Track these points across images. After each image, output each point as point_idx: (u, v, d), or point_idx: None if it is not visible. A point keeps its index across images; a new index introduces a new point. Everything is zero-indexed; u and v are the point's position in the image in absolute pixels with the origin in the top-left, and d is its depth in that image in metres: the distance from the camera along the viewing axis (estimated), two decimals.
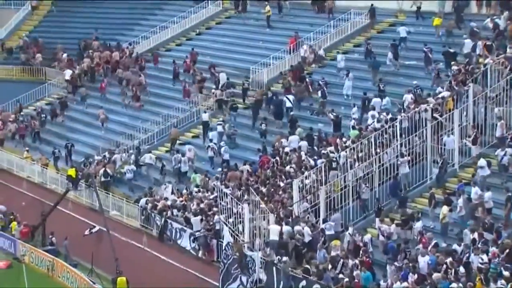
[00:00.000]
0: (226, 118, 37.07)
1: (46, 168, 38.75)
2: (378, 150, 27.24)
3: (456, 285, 20.67)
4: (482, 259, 21.14)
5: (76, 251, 33.99)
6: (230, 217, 27.84)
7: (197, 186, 32.14)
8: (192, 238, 28.92)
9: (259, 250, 25.57)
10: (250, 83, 38.46)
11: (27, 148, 40.49)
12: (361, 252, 23.92)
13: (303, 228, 25.37)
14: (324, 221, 25.76)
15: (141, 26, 49.53)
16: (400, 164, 26.85)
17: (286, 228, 25.52)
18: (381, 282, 22.43)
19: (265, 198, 27.47)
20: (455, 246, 22.29)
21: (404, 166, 26.82)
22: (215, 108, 38.46)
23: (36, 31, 53.03)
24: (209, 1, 47.27)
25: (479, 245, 21.77)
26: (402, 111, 29.23)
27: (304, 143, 31.10)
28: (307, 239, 25.16)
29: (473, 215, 24.19)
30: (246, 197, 28.14)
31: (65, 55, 48.21)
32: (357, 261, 23.29)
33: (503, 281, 20.17)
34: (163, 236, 30.50)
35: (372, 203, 26.59)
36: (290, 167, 29.07)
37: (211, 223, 28.40)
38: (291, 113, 34.67)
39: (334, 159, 27.68)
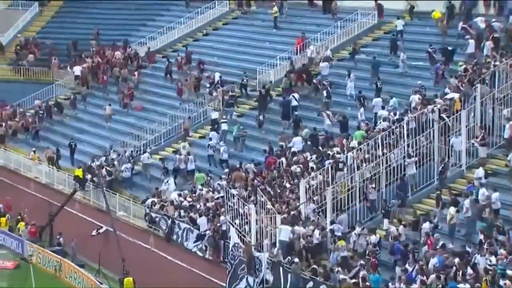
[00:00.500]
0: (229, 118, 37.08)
1: (53, 165, 38.93)
2: (385, 151, 27.19)
3: (463, 286, 20.61)
4: (491, 261, 21.07)
5: (83, 251, 34.07)
6: (236, 218, 27.83)
7: (202, 185, 32.17)
8: (199, 239, 28.90)
9: (266, 250, 25.56)
10: (248, 79, 38.68)
11: (33, 149, 40.60)
12: (368, 252, 23.85)
13: (312, 231, 25.28)
14: (332, 222, 25.73)
15: (148, 27, 49.60)
16: (407, 165, 26.80)
17: (294, 229, 25.46)
18: (390, 285, 22.34)
19: (272, 199, 27.45)
20: (466, 248, 22.19)
21: (411, 167, 26.77)
22: (222, 108, 38.53)
23: (43, 31, 53.22)
24: (216, 2, 47.34)
25: (486, 246, 21.69)
26: (409, 111, 29.16)
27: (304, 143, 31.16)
28: (316, 241, 25.05)
29: (480, 216, 24.12)
30: (252, 197, 28.13)
31: (55, 60, 48.57)
32: (362, 262, 23.22)
33: (507, 282, 20.09)
34: (170, 237, 30.50)
35: (379, 204, 26.55)
36: (298, 167, 29.03)
37: (218, 224, 28.39)
38: (295, 112, 34.65)
39: (341, 159, 27.64)
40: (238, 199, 27.83)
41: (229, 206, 28.23)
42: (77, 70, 46.08)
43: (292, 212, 26.39)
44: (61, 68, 48.31)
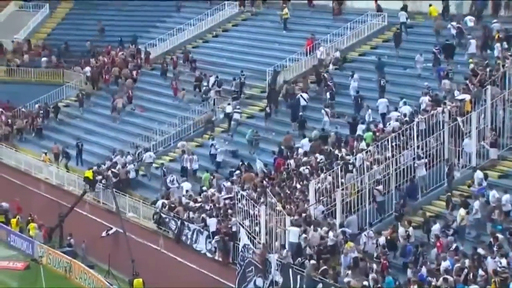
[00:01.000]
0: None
1: (59, 161, 39.24)
2: (394, 153, 27.10)
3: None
4: (501, 263, 20.97)
5: (93, 252, 34.13)
6: (246, 219, 27.82)
7: (208, 186, 32.35)
8: (209, 240, 28.92)
9: (275, 252, 25.54)
10: (245, 77, 38.98)
11: (45, 151, 40.72)
12: (377, 254, 23.76)
13: (326, 232, 25.18)
14: (341, 225, 25.66)
15: (158, 29, 49.70)
16: (417, 167, 26.72)
17: (305, 230, 25.41)
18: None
19: (282, 200, 27.42)
20: (479, 250, 22.04)
21: (421, 168, 26.68)
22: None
23: (54, 33, 53.42)
24: (226, 3, 47.38)
25: (495, 248, 21.59)
26: (419, 113, 29.06)
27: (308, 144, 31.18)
28: (331, 242, 24.94)
29: (490, 218, 24.02)
30: (262, 199, 28.11)
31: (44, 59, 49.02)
32: (374, 265, 23.15)
33: None
34: (180, 238, 30.53)
35: (388, 206, 26.46)
36: (306, 168, 28.98)
37: (229, 226, 28.38)
38: (300, 113, 34.72)
39: (350, 161, 27.58)
40: (248, 200, 27.81)
41: (239, 207, 28.21)
42: (88, 70, 46.65)
43: (303, 215, 26.30)
44: (72, 69, 48.46)
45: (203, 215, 29.77)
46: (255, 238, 27.00)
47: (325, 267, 23.92)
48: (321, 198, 26.81)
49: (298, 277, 24.29)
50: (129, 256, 30.32)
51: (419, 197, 26.65)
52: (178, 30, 47.12)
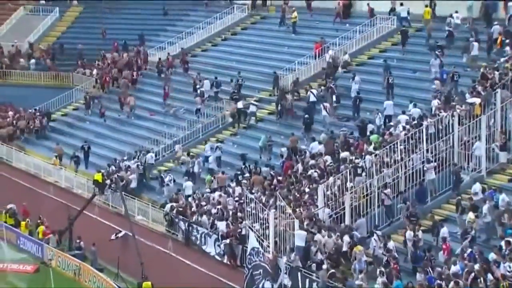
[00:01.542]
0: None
1: (60, 160, 39.67)
2: (403, 156, 27.02)
3: None
4: (510, 267, 20.87)
5: (102, 255, 34.18)
6: (256, 222, 27.81)
7: (210, 188, 32.58)
8: (217, 243, 28.91)
9: (284, 255, 25.51)
10: (243, 79, 39.34)
11: (56, 154, 40.86)
12: (387, 259, 23.66)
13: (340, 238, 24.98)
14: (350, 229, 25.60)
15: (167, 32, 49.82)
16: (426, 170, 26.64)
17: (315, 235, 25.36)
18: None
19: (291, 204, 27.37)
20: (491, 255, 21.94)
21: (430, 172, 26.60)
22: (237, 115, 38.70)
23: (63, 37, 53.64)
24: (235, 7, 47.46)
25: (506, 253, 21.50)
26: (428, 116, 28.98)
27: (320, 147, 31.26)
28: (346, 248, 24.70)
29: (500, 222, 23.91)
30: (271, 202, 28.08)
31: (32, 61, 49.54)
32: (382, 269, 23.07)
33: None
34: (189, 241, 30.54)
35: (397, 210, 26.39)
36: (315, 171, 28.94)
37: (239, 230, 28.36)
38: (306, 115, 34.88)
39: (360, 165, 27.53)
40: (257, 203, 27.78)
41: (247, 211, 28.21)
42: (94, 73, 47.12)
43: (313, 219, 26.22)
44: (81, 72, 48.74)
45: (212, 218, 29.77)
46: (263, 241, 26.97)
47: (333, 270, 23.82)
48: (329, 202, 26.73)
49: (307, 280, 24.24)
50: (138, 259, 30.35)
51: (428, 200, 26.57)
52: (188, 34, 47.21)
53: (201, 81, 41.57)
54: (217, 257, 28.98)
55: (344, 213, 26.31)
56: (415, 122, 29.00)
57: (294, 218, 25.95)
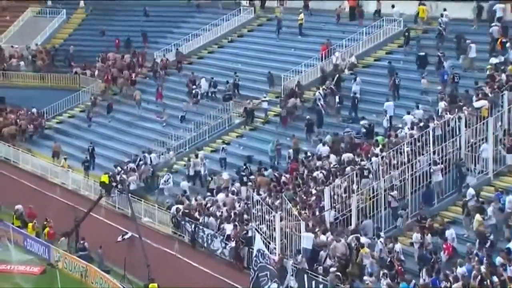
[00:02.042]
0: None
1: (57, 158, 40.08)
2: (410, 157, 26.96)
3: None
4: None
5: (108, 257, 34.20)
6: (262, 224, 27.79)
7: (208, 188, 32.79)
8: (223, 244, 28.91)
9: (290, 257, 25.49)
10: (239, 79, 39.69)
11: (65, 156, 40.91)
12: (390, 260, 23.58)
13: (346, 240, 24.93)
14: (355, 231, 25.54)
15: (173, 34, 49.89)
16: (433, 172, 26.59)
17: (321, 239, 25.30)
18: None
19: (298, 206, 27.34)
20: (498, 258, 21.88)
21: (437, 174, 26.55)
22: (245, 116, 38.71)
23: (70, 39, 53.77)
24: (241, 9, 47.50)
25: None
26: (434, 118, 28.94)
27: (325, 149, 31.28)
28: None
29: (507, 224, 23.84)
30: (277, 203, 28.05)
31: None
32: (386, 271, 23.03)
33: None
34: (195, 243, 30.55)
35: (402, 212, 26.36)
36: (320, 173, 28.92)
37: (244, 232, 28.34)
38: (308, 117, 35.00)
39: (366, 167, 27.49)
40: (263, 205, 27.77)
41: (253, 213, 28.20)
42: (105, 82, 47.03)
43: (321, 223, 26.16)
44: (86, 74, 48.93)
45: (219, 220, 29.76)
46: (270, 244, 26.96)
47: (338, 273, 23.76)
48: (335, 204, 26.69)
49: (313, 282, 24.21)
50: (144, 261, 30.38)
51: (435, 202, 26.51)
52: (194, 36, 47.27)
53: (196, 81, 41.66)
54: (223, 256, 28.90)
55: (350, 215, 26.27)
56: (422, 123, 28.94)
57: (300, 220, 25.94)
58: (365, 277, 23.28)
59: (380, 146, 28.97)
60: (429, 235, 24.42)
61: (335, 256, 24.46)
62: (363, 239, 24.74)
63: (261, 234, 27.09)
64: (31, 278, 33.51)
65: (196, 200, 32.08)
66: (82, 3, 56.01)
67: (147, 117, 43.33)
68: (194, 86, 41.72)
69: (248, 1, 48.08)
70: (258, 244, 26.36)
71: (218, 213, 30.12)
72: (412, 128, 28.95)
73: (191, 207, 31.68)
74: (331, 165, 29.32)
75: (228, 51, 45.97)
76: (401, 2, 39.42)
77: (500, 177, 26.55)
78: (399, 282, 22.71)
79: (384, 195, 26.43)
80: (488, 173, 26.66)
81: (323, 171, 28.94)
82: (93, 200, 35.98)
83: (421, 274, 22.75)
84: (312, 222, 26.14)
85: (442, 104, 30.05)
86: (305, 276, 24.50)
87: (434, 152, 26.99)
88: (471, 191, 25.16)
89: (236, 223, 28.97)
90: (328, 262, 24.37)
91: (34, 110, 46.39)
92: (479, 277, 21.09)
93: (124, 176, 36.03)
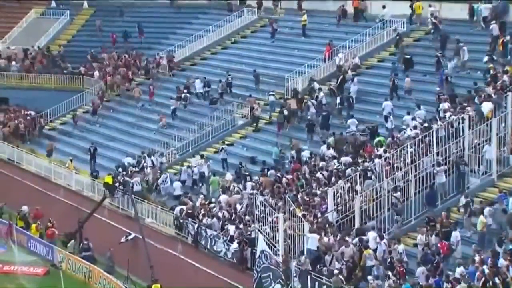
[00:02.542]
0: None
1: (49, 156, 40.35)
2: (414, 158, 26.92)
3: None
4: None
5: (112, 258, 34.20)
6: (265, 225, 27.78)
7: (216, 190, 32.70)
8: (226, 245, 28.91)
9: (293, 258, 25.48)
10: (232, 78, 39.96)
11: (71, 158, 40.95)
12: (390, 261, 23.54)
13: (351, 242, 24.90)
14: (358, 233, 25.50)
15: (177, 35, 49.92)
16: (436, 173, 26.55)
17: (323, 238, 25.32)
18: None
19: (301, 207, 27.32)
20: (501, 260, 21.83)
21: (440, 175, 26.51)
22: (250, 116, 38.72)
23: (74, 40, 53.84)
24: (245, 10, 47.51)
25: None
26: (438, 119, 28.92)
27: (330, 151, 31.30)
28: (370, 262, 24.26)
29: (511, 225, 23.79)
30: (280, 204, 28.04)
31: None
32: (389, 272, 23.00)
33: None
34: (198, 244, 30.55)
35: (407, 213, 26.30)
36: (321, 173, 28.89)
37: (248, 233, 28.32)
38: (309, 117, 35.08)
39: (369, 168, 27.47)
40: (266, 206, 27.75)
41: (256, 214, 28.18)
42: (109, 79, 47.14)
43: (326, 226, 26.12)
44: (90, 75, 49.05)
45: (221, 220, 29.75)
46: (274, 246, 26.93)
47: (341, 277, 23.72)
48: (338, 205, 26.65)
49: (316, 283, 24.20)
50: (147, 262, 30.39)
51: (439, 204, 26.47)
52: (197, 37, 47.29)
53: (190, 87, 42.09)
54: (226, 257, 28.89)
55: (353, 216, 26.25)
56: (426, 124, 28.90)
57: (303, 222, 25.92)
58: (369, 277, 23.24)
59: (384, 147, 28.94)
60: (434, 236, 24.37)
61: (341, 259, 24.34)
62: (371, 237, 24.55)
63: (264, 235, 27.07)
64: (35, 279, 33.55)
65: (199, 201, 32.08)
66: (85, 4, 56.08)
67: (150, 117, 43.35)
68: (185, 91, 41.99)
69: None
70: (261, 245, 26.35)
71: (221, 214, 30.09)
72: (415, 128, 28.91)
73: (195, 208, 31.67)
74: (335, 166, 29.28)
75: (231, 52, 45.98)
76: (392, 3, 39.63)
77: (504, 178, 26.50)
78: (401, 283, 22.66)
79: (388, 196, 26.40)
80: (492, 174, 26.61)
81: (324, 172, 28.87)
82: (96, 201, 36.01)
83: (420, 275, 22.67)
84: (316, 224, 26.08)
85: (445, 105, 30.00)
86: (309, 277, 24.48)
87: (437, 153, 26.94)
88: (462, 200, 25.08)
89: (239, 224, 28.94)
90: (337, 265, 24.17)
91: (32, 112, 46.41)
92: (482, 279, 21.04)
93: (127, 177, 36.04)
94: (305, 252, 25.50)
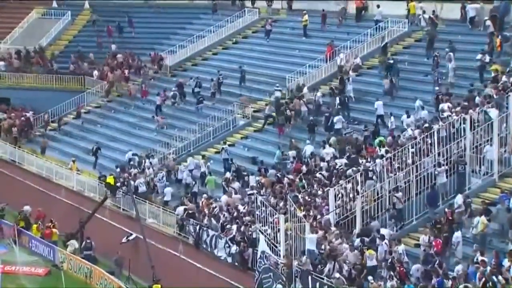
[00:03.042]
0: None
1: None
2: (415, 159, 26.91)
3: None
4: None
5: (119, 261, 34.14)
6: (266, 225, 27.77)
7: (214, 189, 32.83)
8: (227, 245, 28.90)
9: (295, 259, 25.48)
10: (224, 77, 40.53)
11: (73, 158, 40.94)
12: (391, 261, 23.53)
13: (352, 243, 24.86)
14: (359, 234, 25.47)
15: (178, 35, 49.94)
16: (437, 174, 26.54)
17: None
18: None
19: (302, 207, 27.32)
20: (505, 261, 21.80)
21: (441, 175, 26.50)
22: (251, 116, 38.74)
23: (75, 40, 53.87)
24: (246, 10, 47.52)
25: None
26: (439, 119, 28.91)
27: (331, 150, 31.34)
28: (371, 263, 24.21)
29: None
30: (281, 204, 28.03)
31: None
32: (391, 273, 22.99)
33: None
34: (199, 244, 30.56)
35: (408, 213, 26.29)
36: (319, 173, 28.86)
37: (249, 233, 28.32)
38: (311, 118, 35.04)
39: (370, 168, 27.47)
40: (267, 207, 27.74)
41: (257, 215, 28.18)
42: (111, 76, 47.24)
43: (319, 221, 26.16)
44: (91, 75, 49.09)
45: (222, 221, 29.76)
46: (276, 247, 26.93)
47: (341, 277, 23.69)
48: (339, 206, 26.65)
49: (317, 284, 24.19)
50: (149, 262, 30.40)
51: (440, 204, 26.46)
52: (198, 37, 47.30)
53: (183, 86, 42.31)
54: (227, 259, 28.91)
55: (354, 217, 26.24)
56: (426, 125, 28.89)
57: (304, 222, 25.91)
58: (369, 277, 23.23)
59: (386, 147, 28.94)
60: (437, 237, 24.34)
61: (345, 263, 24.26)
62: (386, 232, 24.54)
63: (265, 236, 27.07)
64: (36, 279, 33.56)
65: (201, 201, 32.09)
66: (87, 5, 56.11)
67: (145, 116, 43.37)
68: (175, 89, 42.29)
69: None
70: (262, 246, 26.35)
71: (221, 215, 30.09)
72: (417, 127, 28.91)
73: (198, 208, 31.66)
74: (337, 166, 29.27)
75: (232, 52, 45.98)
76: (385, 2, 39.77)
77: (505, 178, 26.48)
78: (403, 284, 22.67)
79: (389, 196, 26.39)
80: (493, 174, 26.60)
81: (323, 172, 28.85)
82: (98, 201, 36.02)
83: (414, 272, 22.64)
84: (317, 225, 26.09)
85: (445, 106, 29.99)
86: (309, 277, 24.47)
87: (438, 154, 26.93)
88: (458, 199, 25.03)
89: (240, 224, 28.93)
90: (346, 268, 23.97)
91: (30, 113, 46.39)
92: (483, 279, 21.03)
93: (129, 178, 36.06)
94: (305, 253, 25.49)
